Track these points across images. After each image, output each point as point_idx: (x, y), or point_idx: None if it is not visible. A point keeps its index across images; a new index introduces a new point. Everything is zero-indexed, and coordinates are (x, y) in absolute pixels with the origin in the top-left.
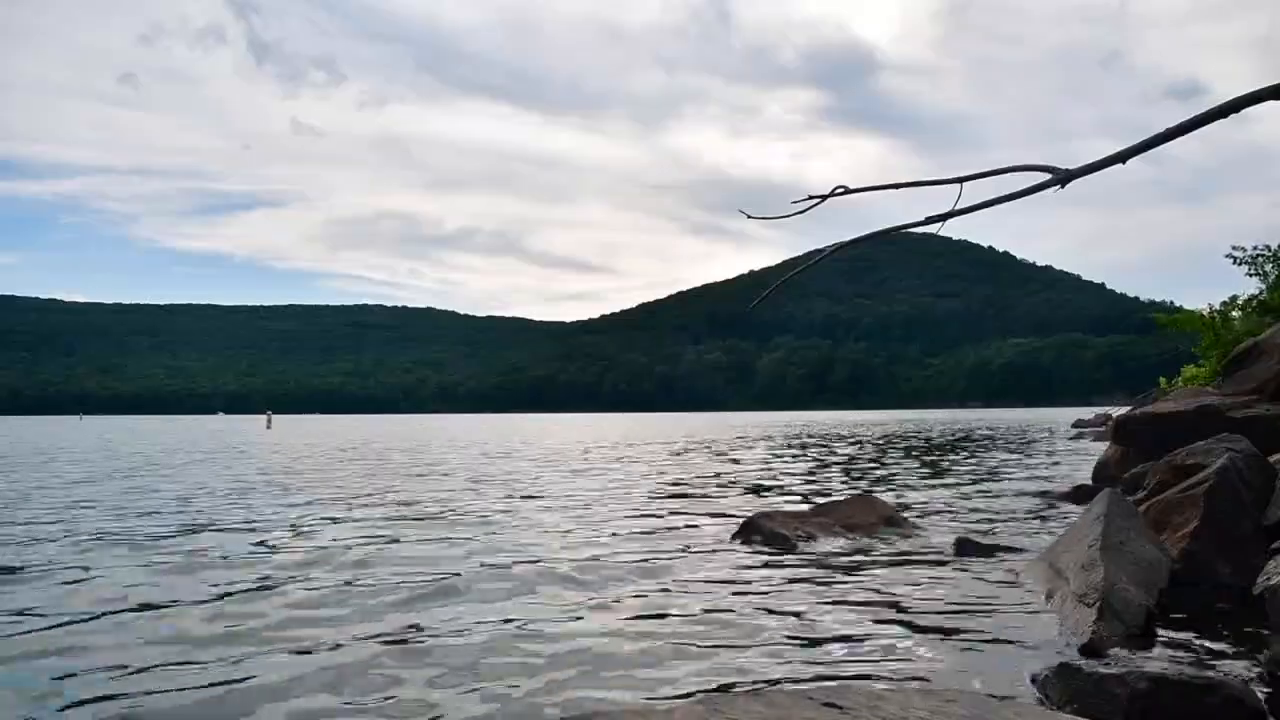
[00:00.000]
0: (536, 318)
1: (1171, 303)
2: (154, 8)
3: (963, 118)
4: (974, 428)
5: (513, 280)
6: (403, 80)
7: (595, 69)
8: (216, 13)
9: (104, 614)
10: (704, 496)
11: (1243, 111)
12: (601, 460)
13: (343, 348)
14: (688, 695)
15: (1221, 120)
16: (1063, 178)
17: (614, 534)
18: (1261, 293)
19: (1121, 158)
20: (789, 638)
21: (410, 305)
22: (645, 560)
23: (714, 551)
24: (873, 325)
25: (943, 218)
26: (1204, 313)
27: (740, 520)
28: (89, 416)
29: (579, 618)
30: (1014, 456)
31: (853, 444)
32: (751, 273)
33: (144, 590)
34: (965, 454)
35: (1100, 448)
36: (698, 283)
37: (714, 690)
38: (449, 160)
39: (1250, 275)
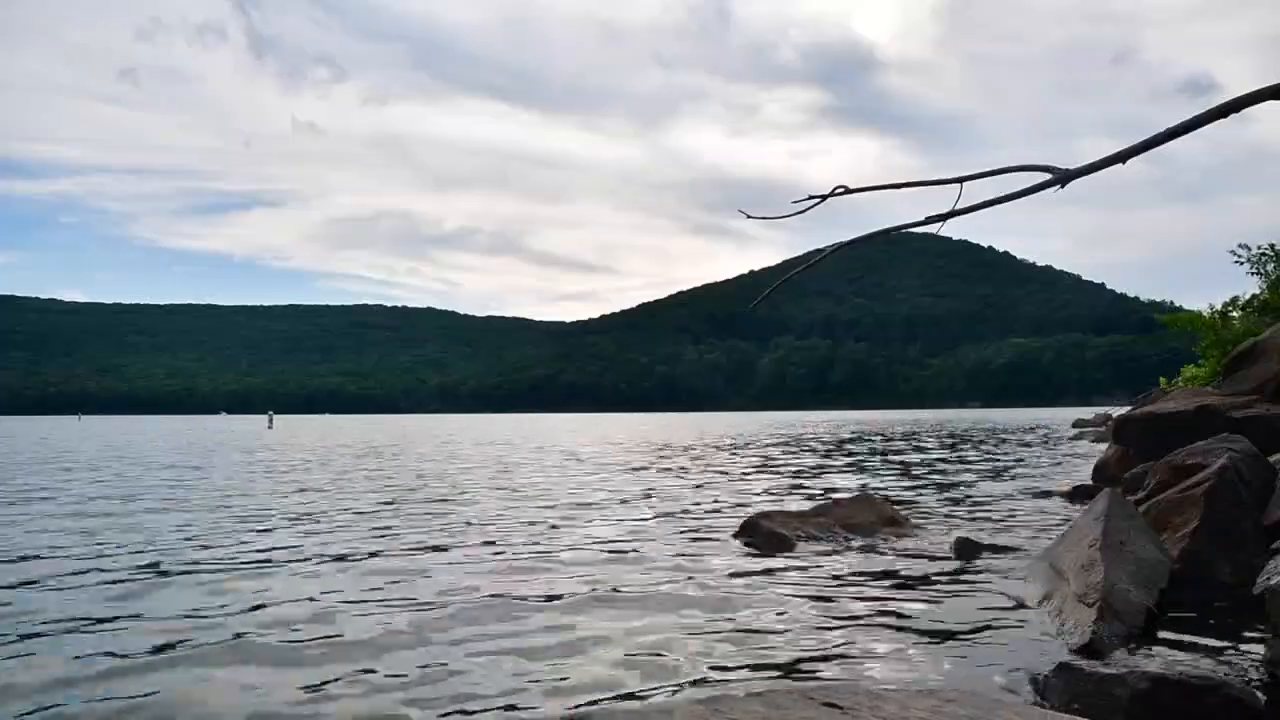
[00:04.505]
0: (536, 318)
1: (1171, 303)
2: (153, 3)
3: (963, 116)
4: (974, 428)
5: (513, 280)
6: (402, 79)
7: (595, 68)
8: (216, 8)
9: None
10: (703, 496)
11: (1243, 111)
12: (602, 460)
13: (343, 348)
14: (688, 695)
15: (1221, 120)
16: (1062, 178)
17: (613, 534)
18: (1262, 292)
19: (1121, 158)
20: (789, 638)
21: (410, 305)
22: (644, 560)
23: (713, 551)
24: (873, 325)
25: (943, 218)
26: (1204, 313)
27: (739, 520)
28: (87, 417)
29: (577, 617)
30: (1014, 456)
31: (852, 444)
32: (751, 273)
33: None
34: (965, 454)
35: (1100, 448)
36: (698, 283)
37: (714, 690)
38: (448, 159)
39: (1252, 274)
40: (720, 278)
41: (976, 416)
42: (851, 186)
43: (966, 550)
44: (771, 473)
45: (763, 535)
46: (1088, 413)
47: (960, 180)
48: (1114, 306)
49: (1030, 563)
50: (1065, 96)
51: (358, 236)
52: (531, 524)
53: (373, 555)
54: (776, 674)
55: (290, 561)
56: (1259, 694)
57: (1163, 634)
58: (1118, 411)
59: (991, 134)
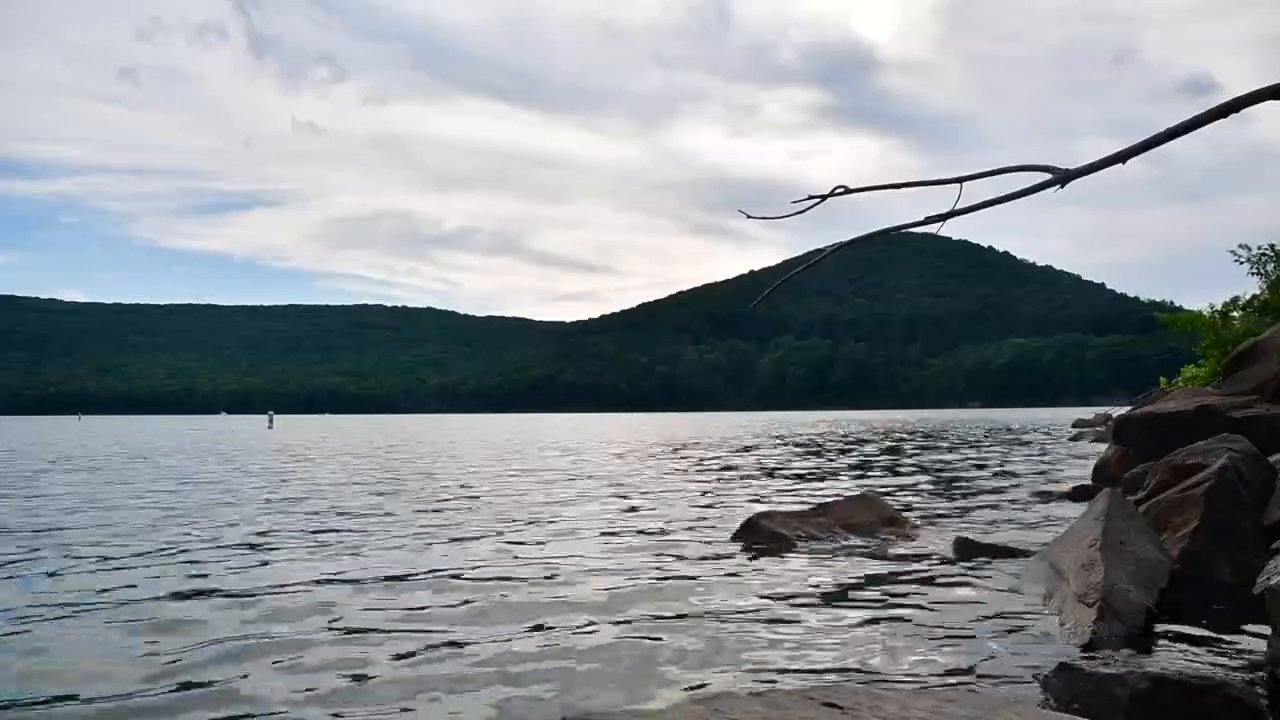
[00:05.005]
0: (536, 318)
1: (1171, 303)
2: (153, 3)
3: (964, 116)
4: (973, 428)
5: (513, 280)
6: (402, 79)
7: (595, 68)
8: (216, 8)
9: None
10: (703, 496)
11: (1243, 111)
12: (602, 460)
13: (343, 348)
14: (688, 695)
15: (1221, 120)
16: (1062, 178)
17: (613, 534)
18: (1262, 292)
19: (1121, 158)
20: (789, 638)
21: (410, 305)
22: (644, 560)
23: (713, 551)
24: (873, 325)
25: (943, 218)
26: (1204, 313)
27: (740, 520)
28: (87, 417)
29: (578, 618)
30: (1014, 456)
31: (853, 444)
32: (751, 273)
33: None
34: (964, 454)
35: (1100, 448)
36: (698, 283)
37: (714, 690)
38: (448, 159)
39: (1252, 274)
40: (720, 278)
41: (976, 416)
42: (851, 186)
43: (966, 550)
44: (771, 473)
45: (763, 535)
46: (1088, 413)
47: (960, 180)
48: (1114, 306)
49: (1030, 563)
50: (1065, 96)
51: (358, 236)
52: (530, 525)
53: (371, 555)
54: (776, 674)
55: (292, 557)
56: (1259, 694)
57: (1163, 634)
58: (1118, 411)
59: (991, 134)
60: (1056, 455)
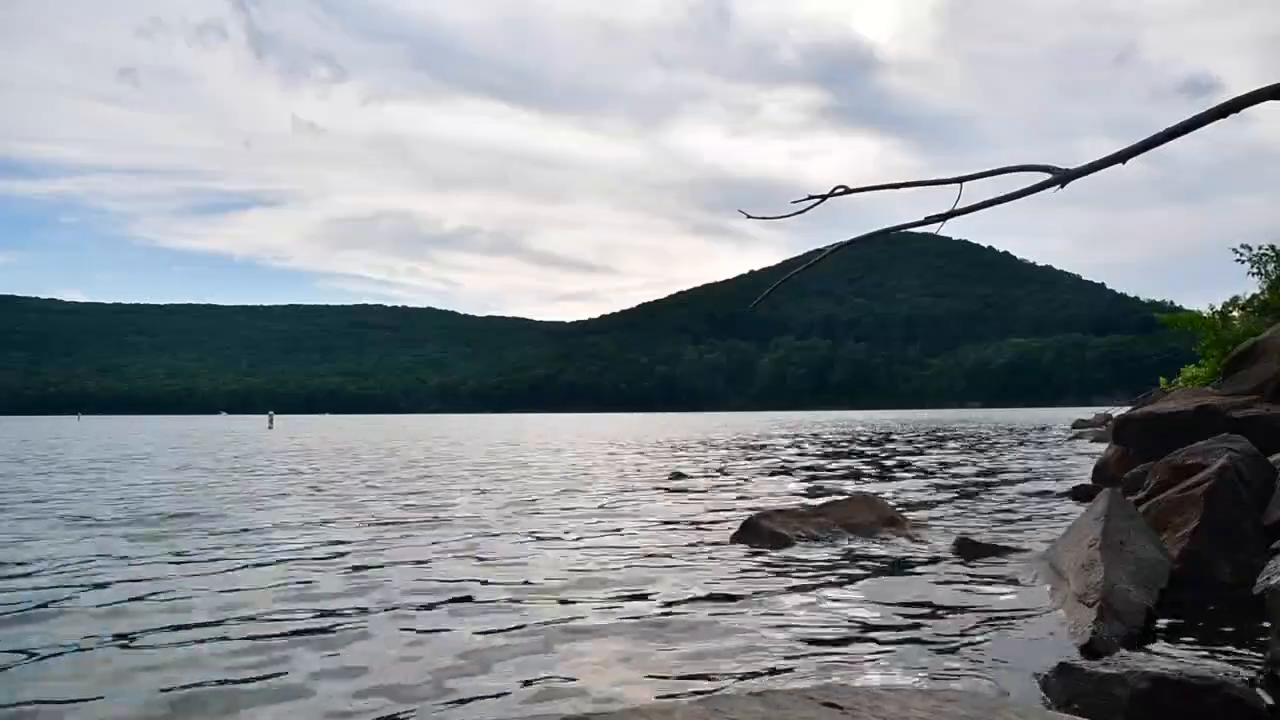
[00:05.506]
0: (536, 318)
1: (1171, 303)
2: (153, 3)
3: (963, 116)
4: (973, 428)
5: (513, 280)
6: (402, 79)
7: (594, 68)
8: (216, 7)
9: None
10: (703, 496)
11: (1243, 111)
12: (601, 460)
13: (343, 348)
14: (688, 695)
15: (1221, 120)
16: (1062, 178)
17: (613, 535)
18: (1262, 292)
19: (1121, 158)
20: (789, 638)
21: (410, 305)
22: (644, 561)
23: (713, 552)
24: (873, 325)
25: (943, 218)
26: (1204, 313)
27: (740, 520)
28: (87, 417)
29: (578, 619)
30: (1014, 456)
31: (852, 444)
32: (751, 273)
33: None
34: (964, 454)
35: (1100, 448)
36: (698, 283)
37: (714, 690)
38: (448, 159)
39: (1252, 274)
40: (720, 278)
41: (976, 416)
42: (851, 186)
43: (966, 550)
44: (771, 473)
45: (763, 535)
46: (1088, 413)
47: (960, 180)
48: (1114, 306)
49: (1030, 563)
50: (1065, 96)
51: (358, 236)
52: (529, 525)
53: (374, 553)
54: (776, 674)
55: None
56: (1259, 694)
57: (1163, 634)
58: (1118, 411)
59: (991, 134)
60: (1056, 455)
